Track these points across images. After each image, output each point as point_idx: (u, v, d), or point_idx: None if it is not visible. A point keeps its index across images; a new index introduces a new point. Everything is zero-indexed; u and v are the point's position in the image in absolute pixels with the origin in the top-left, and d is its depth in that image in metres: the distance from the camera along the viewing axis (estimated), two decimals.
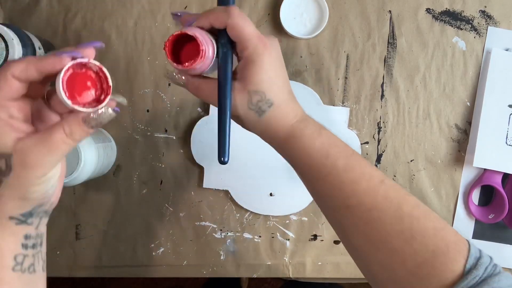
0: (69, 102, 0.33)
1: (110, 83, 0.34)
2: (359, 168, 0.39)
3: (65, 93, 0.33)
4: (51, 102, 0.36)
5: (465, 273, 0.33)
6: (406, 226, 0.36)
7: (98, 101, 0.34)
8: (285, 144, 0.41)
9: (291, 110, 0.40)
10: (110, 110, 0.34)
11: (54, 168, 0.35)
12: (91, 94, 0.34)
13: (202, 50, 0.37)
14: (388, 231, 0.36)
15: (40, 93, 0.36)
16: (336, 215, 0.40)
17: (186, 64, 0.37)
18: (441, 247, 0.34)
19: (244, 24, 0.37)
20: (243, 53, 0.38)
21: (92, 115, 0.34)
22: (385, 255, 0.36)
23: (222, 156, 0.41)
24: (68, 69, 0.33)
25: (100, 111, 0.34)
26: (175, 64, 0.38)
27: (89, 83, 0.34)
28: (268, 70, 0.38)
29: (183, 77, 0.40)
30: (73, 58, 0.33)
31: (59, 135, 0.33)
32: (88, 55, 0.33)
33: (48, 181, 0.35)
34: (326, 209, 0.41)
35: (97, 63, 0.33)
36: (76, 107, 0.33)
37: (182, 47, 0.39)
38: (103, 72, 0.34)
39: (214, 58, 0.39)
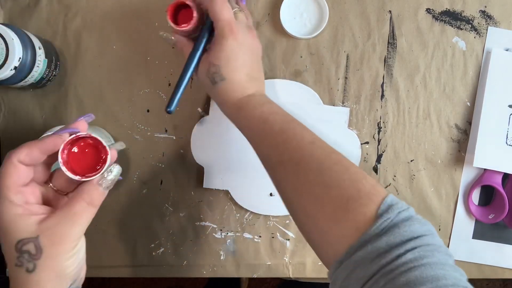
0: (76, 177, 0.37)
1: (104, 144, 0.38)
2: (293, 131, 0.44)
3: (71, 171, 0.37)
4: (54, 183, 0.39)
5: (376, 217, 0.36)
6: (326, 178, 0.40)
7: (102, 162, 0.38)
8: (233, 115, 0.48)
9: (241, 88, 0.48)
10: (117, 166, 0.38)
11: (81, 238, 0.38)
12: (92, 159, 0.39)
13: (194, 16, 0.49)
14: (311, 181, 0.41)
15: (45, 176, 0.39)
16: (273, 173, 0.45)
17: (183, 25, 0.49)
18: (353, 195, 0.38)
19: (220, 9, 0.46)
20: (215, 31, 0.48)
21: (105, 175, 0.37)
22: (308, 201, 0.41)
23: (169, 106, 0.48)
24: (65, 146, 0.37)
25: (109, 170, 0.38)
26: (173, 24, 0.50)
27: (87, 150, 0.39)
28: (228, 51, 0.46)
29: (173, 38, 0.51)
30: (71, 134, 0.37)
31: (80, 206, 0.36)
32: (81, 129, 0.38)
33: (78, 252, 0.38)
34: (267, 169, 0.46)
35: (87, 134, 0.38)
36: (84, 179, 0.37)
37: (179, 14, 0.52)
38: (94, 138, 0.38)
39: (201, 26, 0.50)
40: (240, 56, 0.47)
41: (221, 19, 0.47)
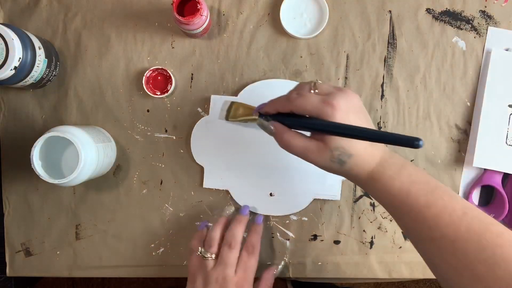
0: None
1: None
2: (441, 202, 0.41)
3: None
4: None
5: None
6: (489, 254, 0.37)
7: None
8: (367, 186, 0.45)
9: (369, 156, 0.44)
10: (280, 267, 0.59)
11: None
12: None
13: (199, 9, 0.51)
14: (471, 259, 0.38)
15: None
16: (421, 247, 0.42)
17: (187, 17, 0.51)
18: None
19: (304, 102, 0.43)
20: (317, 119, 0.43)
21: (276, 272, 0.58)
22: (469, 281, 0.38)
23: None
24: None
25: (278, 269, 0.60)
26: (178, 16, 0.51)
27: None
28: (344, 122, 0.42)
29: (272, 127, 0.46)
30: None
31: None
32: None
33: None
34: (412, 240, 0.44)
35: None
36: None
37: (185, 7, 0.55)
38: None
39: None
40: (358, 122, 0.43)
41: (314, 107, 0.42)
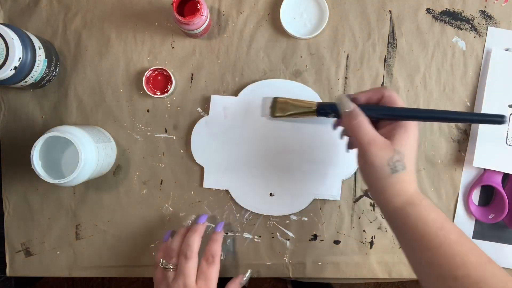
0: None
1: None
2: (469, 244, 0.42)
3: None
4: None
5: None
6: None
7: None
8: (401, 210, 0.44)
9: (415, 180, 0.45)
10: (249, 271, 0.60)
11: None
12: None
13: (199, 9, 0.51)
14: None
15: None
16: (441, 284, 0.42)
17: (187, 17, 0.51)
18: None
19: (398, 97, 0.46)
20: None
21: (242, 281, 0.58)
22: None
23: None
24: None
25: (244, 279, 0.59)
26: (178, 16, 0.51)
27: None
28: (413, 139, 0.45)
29: (352, 106, 0.46)
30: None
31: None
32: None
33: None
34: (430, 277, 0.43)
35: None
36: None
37: (185, 6, 0.55)
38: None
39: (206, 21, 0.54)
40: (417, 146, 0.46)
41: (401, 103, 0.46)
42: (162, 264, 0.54)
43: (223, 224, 0.58)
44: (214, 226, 0.60)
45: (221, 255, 0.61)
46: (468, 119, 0.47)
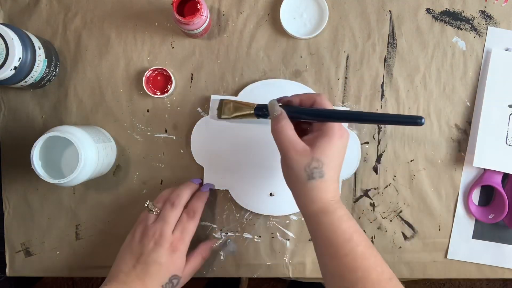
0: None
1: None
2: (374, 260, 0.44)
3: None
4: None
5: None
6: None
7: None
8: (315, 216, 0.46)
9: (333, 189, 0.46)
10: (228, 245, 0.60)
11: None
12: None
13: (199, 9, 0.52)
14: None
15: None
16: None
17: (187, 17, 0.51)
18: None
19: (329, 106, 0.47)
20: (321, 125, 0.46)
21: (214, 246, 0.59)
22: None
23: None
24: None
25: (217, 244, 0.60)
26: (178, 16, 0.51)
27: None
28: (334, 148, 0.45)
29: (279, 110, 0.47)
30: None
31: (199, 259, 0.56)
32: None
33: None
34: (331, 283, 0.45)
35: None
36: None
37: (185, 6, 0.55)
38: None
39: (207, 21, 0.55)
40: (341, 157, 0.46)
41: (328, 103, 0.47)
42: (147, 205, 0.54)
43: (211, 186, 0.59)
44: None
45: (221, 255, 0.61)
46: (387, 121, 0.48)
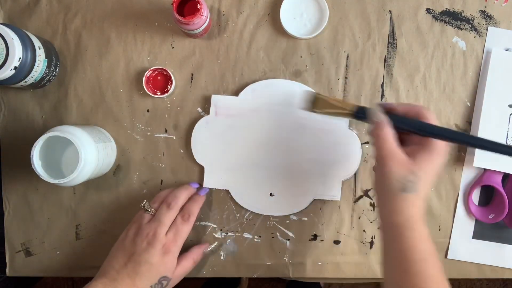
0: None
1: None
2: (442, 284, 0.44)
3: None
4: None
5: None
6: None
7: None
8: (396, 228, 0.45)
9: (421, 205, 0.45)
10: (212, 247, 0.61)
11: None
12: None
13: (199, 9, 0.52)
14: None
15: None
16: None
17: (187, 17, 0.51)
18: None
19: (434, 119, 0.47)
20: (424, 139, 0.46)
21: (206, 250, 0.60)
22: None
23: None
24: None
25: (210, 248, 0.60)
26: (178, 16, 0.51)
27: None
28: (434, 167, 0.45)
29: (382, 117, 0.47)
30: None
31: (190, 262, 0.56)
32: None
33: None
34: None
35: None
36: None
37: (185, 6, 0.55)
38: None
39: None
40: (436, 175, 0.46)
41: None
42: (144, 205, 0.55)
43: (207, 191, 0.59)
44: None
45: (221, 255, 0.61)
46: (499, 151, 0.48)
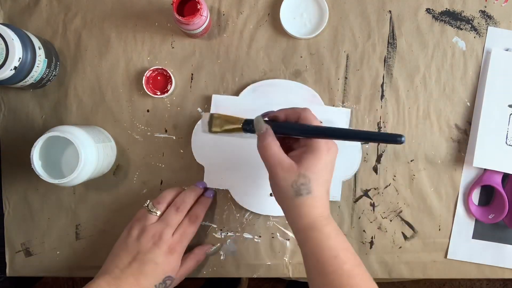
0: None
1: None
2: (361, 279, 0.44)
3: None
4: None
5: None
6: None
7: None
8: (303, 232, 0.46)
9: (321, 205, 0.46)
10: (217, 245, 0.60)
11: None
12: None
13: (199, 9, 0.52)
14: None
15: None
16: None
17: (187, 17, 0.51)
18: None
19: (315, 120, 0.47)
20: (308, 141, 0.46)
21: (209, 251, 0.59)
22: None
23: None
24: None
25: (212, 249, 0.60)
26: (178, 16, 0.51)
27: None
28: (322, 165, 0.45)
29: (265, 127, 0.47)
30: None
31: (193, 262, 0.57)
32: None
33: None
34: None
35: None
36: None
37: (185, 6, 0.56)
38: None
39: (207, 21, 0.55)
40: (328, 172, 0.46)
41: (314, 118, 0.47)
42: (148, 206, 0.55)
43: (214, 192, 0.60)
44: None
45: (221, 255, 0.61)
46: (371, 138, 0.48)
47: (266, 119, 0.49)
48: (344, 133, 0.47)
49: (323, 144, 0.46)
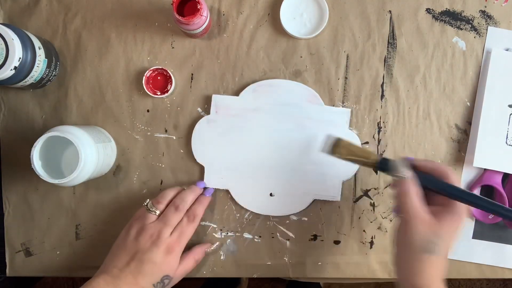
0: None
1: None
2: None
3: None
4: None
5: None
6: None
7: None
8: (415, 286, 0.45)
9: (442, 267, 0.45)
10: (214, 246, 0.60)
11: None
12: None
13: (199, 9, 0.51)
14: None
15: None
16: None
17: (187, 17, 0.51)
18: None
19: (458, 182, 0.47)
20: (449, 201, 0.46)
21: (208, 250, 0.59)
22: None
23: None
24: None
25: (211, 248, 0.60)
26: (178, 16, 0.51)
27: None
28: (455, 228, 0.45)
29: (407, 174, 0.47)
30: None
31: (192, 261, 0.57)
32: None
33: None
34: None
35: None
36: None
37: (185, 6, 0.56)
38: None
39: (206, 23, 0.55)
40: (457, 237, 0.46)
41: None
42: (147, 205, 0.55)
43: (213, 191, 0.59)
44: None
45: (221, 255, 0.61)
46: None
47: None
48: (496, 208, 0.47)
49: (463, 209, 0.46)
